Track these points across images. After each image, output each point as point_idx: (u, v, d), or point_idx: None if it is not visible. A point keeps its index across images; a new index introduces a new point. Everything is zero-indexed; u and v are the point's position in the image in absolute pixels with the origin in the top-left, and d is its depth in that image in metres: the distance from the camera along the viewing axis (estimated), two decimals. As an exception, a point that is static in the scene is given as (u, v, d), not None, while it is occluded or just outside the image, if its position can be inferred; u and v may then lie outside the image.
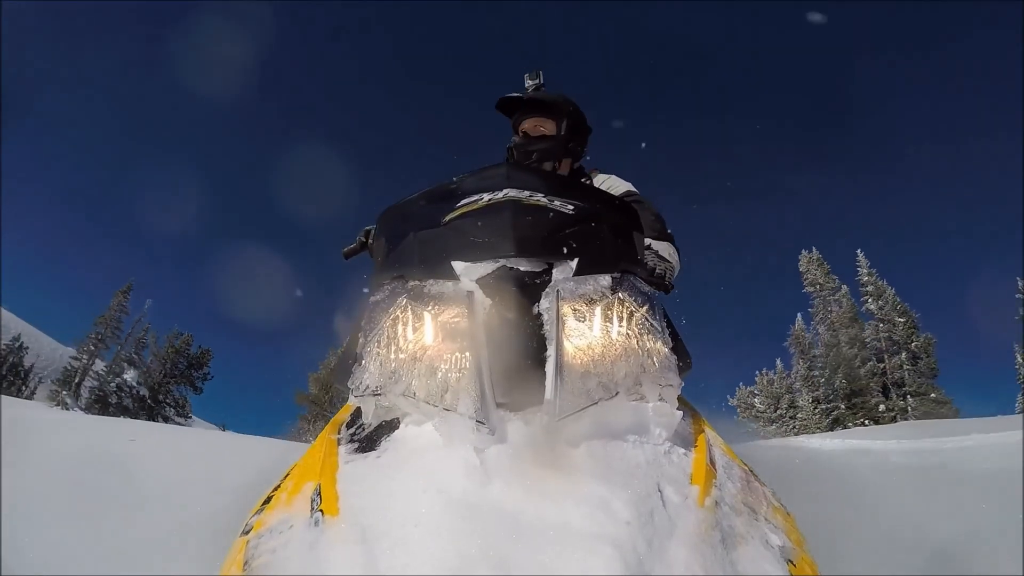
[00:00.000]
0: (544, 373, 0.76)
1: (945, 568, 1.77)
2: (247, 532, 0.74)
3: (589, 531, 0.60)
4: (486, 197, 0.91)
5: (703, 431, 0.86)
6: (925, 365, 19.77)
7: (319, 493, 0.72)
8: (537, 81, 1.85)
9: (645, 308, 0.85)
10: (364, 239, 1.35)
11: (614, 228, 0.95)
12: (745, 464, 0.88)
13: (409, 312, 0.83)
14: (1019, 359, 20.31)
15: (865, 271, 21.38)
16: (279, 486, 0.85)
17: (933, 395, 19.22)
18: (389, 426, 0.82)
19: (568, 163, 1.86)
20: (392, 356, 0.82)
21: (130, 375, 14.95)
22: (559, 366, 0.75)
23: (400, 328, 0.83)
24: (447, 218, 0.91)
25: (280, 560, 0.64)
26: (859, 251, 21.78)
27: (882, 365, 19.66)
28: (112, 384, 14.45)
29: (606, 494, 0.64)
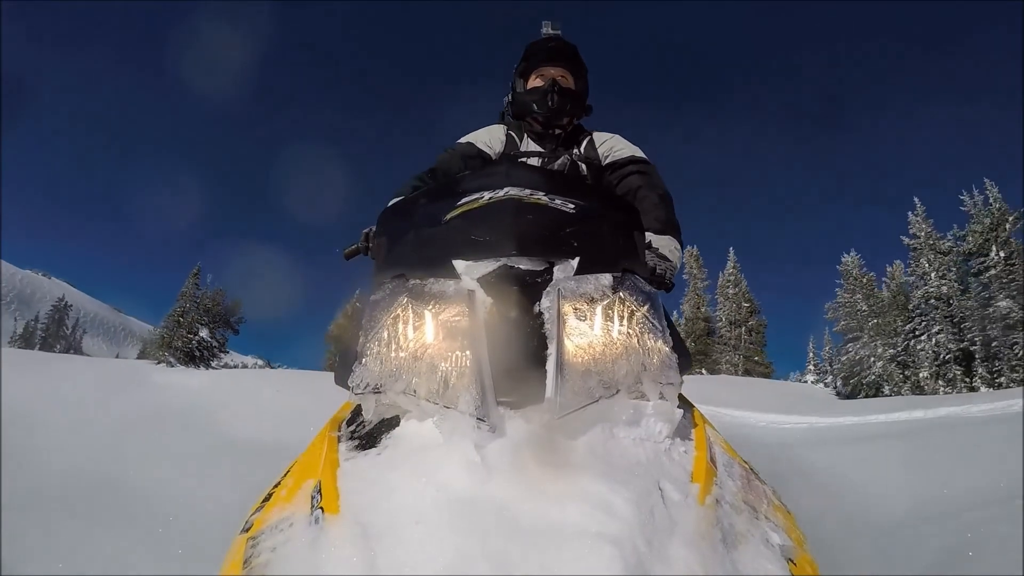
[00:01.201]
0: (545, 371, 0.76)
1: (945, 568, 1.76)
2: (247, 530, 0.74)
3: (589, 529, 0.60)
4: (487, 195, 0.91)
5: (704, 429, 0.86)
6: (755, 338, 29.07)
7: (319, 490, 0.72)
8: (558, 31, 1.74)
9: (646, 307, 0.85)
10: (365, 241, 1.35)
11: (615, 227, 0.95)
12: (746, 462, 0.88)
13: (410, 311, 0.83)
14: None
15: (731, 264, 30.01)
16: (279, 483, 0.85)
17: (756, 358, 28.57)
18: (390, 423, 0.82)
19: (571, 121, 1.77)
20: (393, 354, 0.82)
21: (204, 333, 19.67)
22: (560, 364, 0.75)
23: (401, 327, 0.83)
24: (448, 216, 0.91)
25: (280, 558, 0.64)
26: (731, 248, 30.15)
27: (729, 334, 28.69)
28: (193, 341, 19.10)
29: (606, 492, 0.64)
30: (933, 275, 20.70)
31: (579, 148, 1.75)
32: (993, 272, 19.21)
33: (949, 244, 21.13)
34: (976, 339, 19.28)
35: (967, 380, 19.21)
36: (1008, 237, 19.51)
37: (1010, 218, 19.73)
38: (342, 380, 0.90)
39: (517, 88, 1.78)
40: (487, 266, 0.84)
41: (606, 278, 0.84)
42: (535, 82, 1.73)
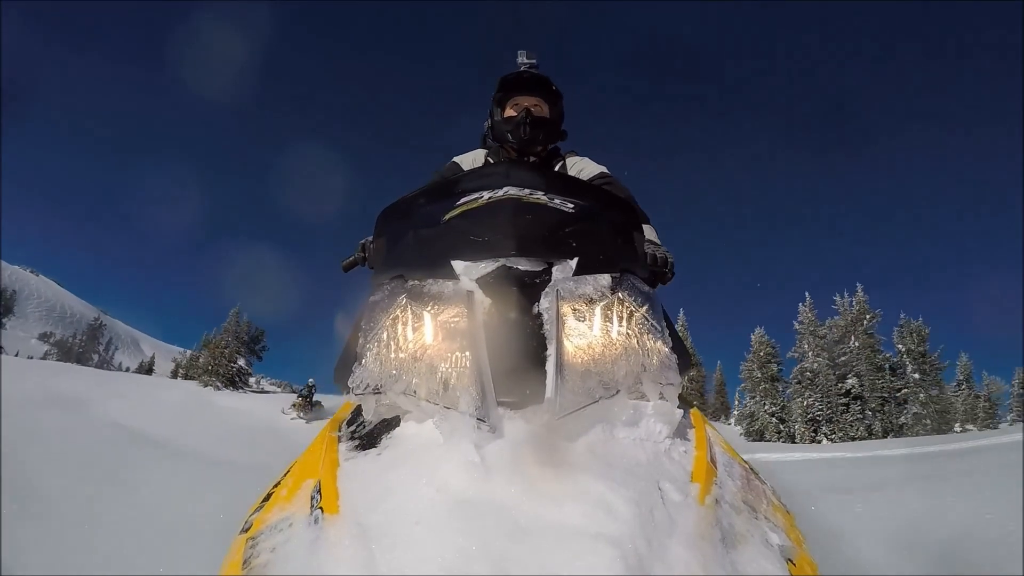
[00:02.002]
0: (544, 372, 0.76)
1: (945, 568, 1.77)
2: (247, 530, 0.74)
3: (589, 529, 0.60)
4: (486, 195, 0.91)
5: (703, 429, 0.86)
6: (695, 386, 30.69)
7: (319, 490, 0.72)
8: (533, 61, 1.83)
9: (645, 308, 0.85)
10: (362, 252, 1.35)
11: (614, 227, 0.95)
12: (745, 462, 0.88)
13: (409, 312, 0.83)
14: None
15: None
16: (279, 483, 0.85)
17: (696, 403, 31.93)
18: (389, 424, 0.82)
19: (544, 147, 1.85)
20: (392, 355, 0.82)
21: (242, 362, 24.03)
22: (559, 365, 0.75)
23: (400, 327, 0.83)
24: (447, 216, 0.91)
25: (280, 559, 0.64)
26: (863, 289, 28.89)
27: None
28: (233, 368, 23.55)
29: (606, 492, 0.64)
30: (810, 354, 26.92)
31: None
32: (846, 357, 26.05)
33: (824, 331, 27.10)
34: (829, 404, 25.75)
35: (815, 435, 25.57)
36: (866, 331, 26.11)
37: (867, 316, 26.50)
38: (342, 380, 0.90)
39: (495, 116, 1.86)
40: (486, 266, 0.84)
41: (605, 279, 0.84)
42: (510, 111, 1.81)
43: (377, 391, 0.81)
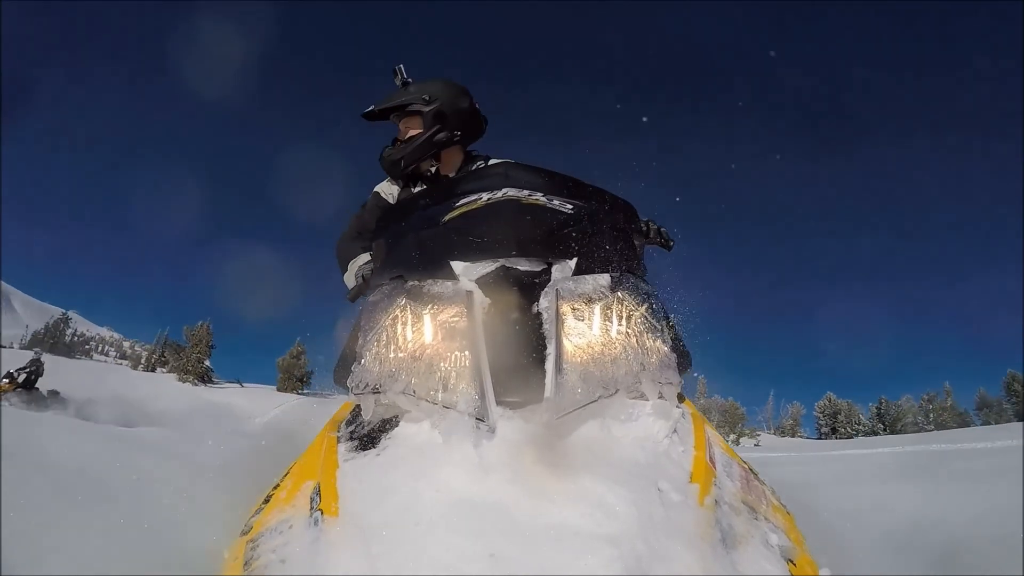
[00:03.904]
0: (544, 371, 0.75)
1: (945, 568, 1.76)
2: (247, 532, 0.74)
3: (588, 529, 0.60)
4: (485, 196, 0.91)
5: (703, 429, 0.86)
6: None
7: (318, 492, 0.72)
8: (400, 78, 1.68)
9: (644, 307, 0.85)
10: (364, 282, 1.33)
11: (613, 227, 0.95)
12: (745, 463, 0.88)
13: (408, 312, 0.83)
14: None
15: None
16: (279, 485, 0.84)
17: None
18: (389, 424, 0.82)
19: (451, 155, 1.70)
20: (392, 355, 0.82)
21: (208, 362, 27.20)
22: (558, 364, 0.75)
23: (399, 328, 0.83)
24: (446, 217, 0.91)
25: (280, 560, 0.64)
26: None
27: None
28: (203, 365, 26.85)
29: (605, 492, 0.64)
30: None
31: None
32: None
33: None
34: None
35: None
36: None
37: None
38: (341, 381, 0.90)
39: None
40: (485, 267, 0.84)
41: (604, 278, 0.84)
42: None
43: (376, 391, 0.81)
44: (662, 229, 1.29)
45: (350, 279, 1.54)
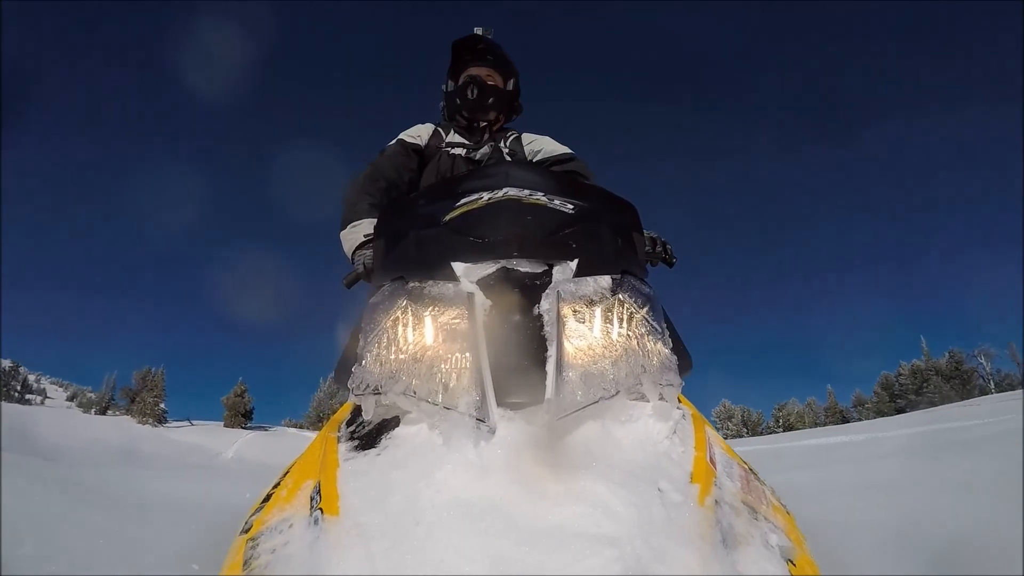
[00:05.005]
0: (544, 373, 0.76)
1: (945, 568, 1.76)
2: (246, 531, 0.74)
3: (588, 530, 0.60)
4: (486, 196, 0.91)
5: (703, 430, 0.86)
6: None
7: (318, 491, 0.72)
8: (489, 35, 1.84)
9: (646, 309, 0.85)
10: (364, 268, 1.33)
11: (614, 228, 0.95)
12: (745, 463, 0.88)
13: (409, 314, 0.83)
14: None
15: None
16: (278, 484, 0.85)
17: None
18: (389, 424, 0.82)
19: (501, 121, 1.87)
20: (392, 356, 0.82)
21: (162, 405, 27.95)
22: (559, 366, 0.75)
23: (400, 329, 0.83)
24: (447, 217, 0.91)
25: (280, 560, 0.64)
26: None
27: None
28: (160, 407, 27.70)
29: (605, 493, 0.64)
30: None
31: (505, 143, 1.84)
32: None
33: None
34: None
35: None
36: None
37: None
38: (342, 381, 0.90)
39: (448, 89, 1.87)
40: (486, 268, 0.84)
41: (605, 280, 0.84)
42: (456, 80, 1.84)
43: (377, 392, 0.81)
44: (668, 245, 1.29)
45: (347, 243, 1.52)
